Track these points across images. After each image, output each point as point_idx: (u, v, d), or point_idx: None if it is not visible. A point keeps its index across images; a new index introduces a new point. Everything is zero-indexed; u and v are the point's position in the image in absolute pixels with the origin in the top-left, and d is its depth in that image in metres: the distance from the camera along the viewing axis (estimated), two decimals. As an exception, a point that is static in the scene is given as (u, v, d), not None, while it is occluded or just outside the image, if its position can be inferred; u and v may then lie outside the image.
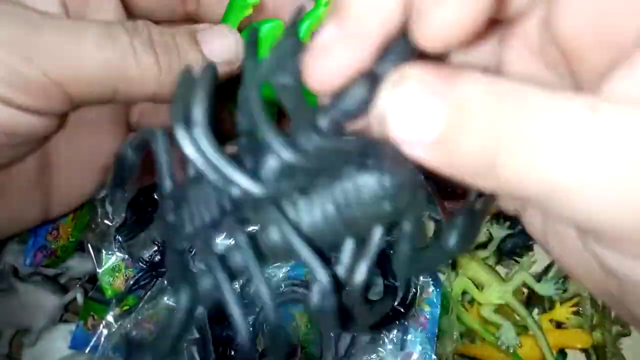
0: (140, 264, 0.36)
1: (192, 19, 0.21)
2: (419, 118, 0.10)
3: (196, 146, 0.11)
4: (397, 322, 0.37)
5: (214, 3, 0.20)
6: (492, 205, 0.14)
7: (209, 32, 0.17)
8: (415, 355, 0.37)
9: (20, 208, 0.19)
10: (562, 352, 0.43)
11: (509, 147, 0.09)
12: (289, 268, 0.39)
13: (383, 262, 0.39)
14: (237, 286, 0.38)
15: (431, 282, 0.39)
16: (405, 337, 0.37)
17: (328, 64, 0.11)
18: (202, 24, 0.18)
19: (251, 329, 0.37)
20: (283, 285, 0.38)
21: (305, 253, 0.12)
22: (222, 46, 0.17)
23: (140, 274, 0.36)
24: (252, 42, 0.13)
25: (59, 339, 0.36)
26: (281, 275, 0.39)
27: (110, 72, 0.15)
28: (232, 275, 0.13)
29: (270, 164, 0.12)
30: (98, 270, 0.35)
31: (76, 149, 0.20)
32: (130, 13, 0.20)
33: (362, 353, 0.36)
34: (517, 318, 0.41)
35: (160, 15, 0.20)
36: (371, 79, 0.11)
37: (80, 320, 0.35)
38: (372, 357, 0.36)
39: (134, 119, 0.22)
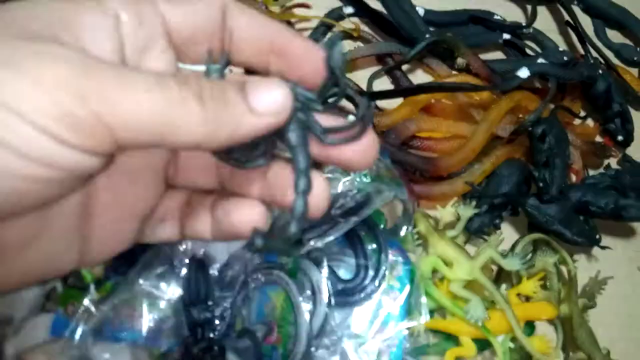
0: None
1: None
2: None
3: None
4: (369, 298, 0.38)
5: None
6: None
7: (258, 84, 0.18)
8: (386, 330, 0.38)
9: (56, 253, 0.19)
10: (530, 325, 0.45)
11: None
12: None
13: (354, 243, 0.40)
14: (215, 271, 0.39)
15: (401, 261, 0.40)
16: (377, 313, 0.38)
17: None
18: (254, 76, 0.19)
19: (229, 311, 0.38)
20: (259, 269, 0.40)
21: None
22: (269, 99, 0.18)
23: (118, 260, 0.37)
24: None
25: (41, 328, 0.37)
26: (257, 259, 0.40)
27: (157, 119, 0.16)
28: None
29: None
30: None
31: (116, 198, 0.20)
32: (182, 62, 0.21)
33: (335, 330, 0.38)
34: (486, 293, 0.43)
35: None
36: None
37: (60, 308, 0.36)
38: (345, 333, 0.38)
39: (171, 174, 0.22)
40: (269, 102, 0.18)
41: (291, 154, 0.19)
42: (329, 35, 0.53)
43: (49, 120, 0.15)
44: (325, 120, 0.19)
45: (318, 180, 0.19)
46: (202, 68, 0.19)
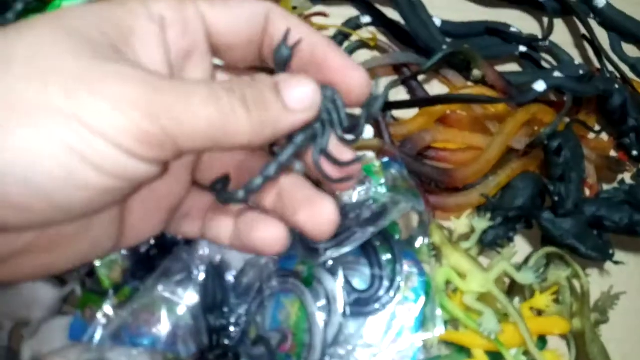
0: (137, 257, 0.37)
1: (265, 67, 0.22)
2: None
3: None
4: (383, 309, 0.38)
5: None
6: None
7: (289, 82, 0.19)
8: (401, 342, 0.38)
9: (100, 240, 0.20)
10: (542, 339, 0.45)
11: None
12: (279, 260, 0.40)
13: (369, 253, 0.40)
14: (231, 278, 0.40)
15: (416, 272, 0.40)
16: (391, 324, 0.38)
17: None
18: (283, 74, 0.20)
19: (244, 318, 0.38)
20: (274, 277, 0.40)
21: None
22: (300, 95, 0.19)
23: (136, 266, 0.37)
24: None
25: (58, 331, 0.38)
26: (272, 267, 0.40)
27: (213, 128, 0.17)
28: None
29: None
30: (96, 263, 0.36)
31: (151, 191, 0.21)
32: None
33: (349, 340, 0.38)
34: (499, 306, 0.43)
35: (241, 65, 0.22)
36: None
37: (78, 311, 0.36)
38: (359, 343, 0.38)
39: (199, 172, 0.24)
40: (302, 99, 0.19)
41: (285, 147, 0.20)
42: (346, 44, 0.53)
43: (124, 137, 0.16)
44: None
45: (326, 204, 0.20)
46: None
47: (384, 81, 0.21)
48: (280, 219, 0.21)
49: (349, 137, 0.20)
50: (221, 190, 0.20)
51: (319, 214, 0.20)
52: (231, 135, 0.18)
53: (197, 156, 0.23)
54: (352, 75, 0.20)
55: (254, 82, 0.19)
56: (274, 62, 0.20)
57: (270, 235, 0.21)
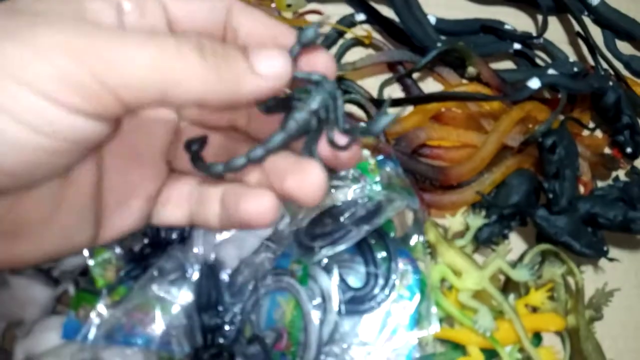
0: (131, 256, 0.37)
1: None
2: None
3: None
4: (379, 307, 0.38)
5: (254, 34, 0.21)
6: None
7: (260, 49, 0.18)
8: (396, 339, 0.38)
9: (72, 230, 0.20)
10: (537, 336, 0.45)
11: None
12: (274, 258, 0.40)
13: (364, 251, 0.40)
14: (226, 276, 0.40)
15: (411, 270, 0.40)
16: (386, 322, 0.38)
17: None
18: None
19: (239, 316, 0.38)
20: (269, 275, 0.40)
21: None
22: (271, 61, 0.18)
23: (130, 265, 0.37)
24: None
25: (52, 330, 0.37)
26: (267, 265, 0.40)
27: (156, 74, 0.16)
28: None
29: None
30: (90, 262, 0.36)
31: (123, 177, 0.21)
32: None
33: (345, 338, 0.38)
34: (494, 303, 0.43)
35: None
36: None
37: (71, 311, 0.36)
38: (355, 341, 0.38)
39: (175, 158, 0.23)
40: (271, 65, 0.18)
41: (276, 133, 0.19)
42: (340, 42, 0.53)
43: (50, 85, 0.15)
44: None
45: (313, 168, 0.19)
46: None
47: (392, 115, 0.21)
48: (268, 189, 0.20)
49: (342, 141, 0.20)
50: (197, 154, 0.19)
51: (307, 179, 0.19)
52: (181, 85, 0.16)
53: (172, 140, 0.22)
54: (315, 60, 0.20)
55: (219, 41, 0.18)
56: (296, 39, 0.19)
57: (260, 205, 0.20)
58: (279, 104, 0.20)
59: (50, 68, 0.15)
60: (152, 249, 0.38)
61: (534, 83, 0.49)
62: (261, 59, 0.18)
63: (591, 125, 0.54)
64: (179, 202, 0.22)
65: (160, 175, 0.22)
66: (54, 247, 0.19)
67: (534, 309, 0.46)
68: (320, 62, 0.20)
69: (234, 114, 0.23)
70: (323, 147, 0.20)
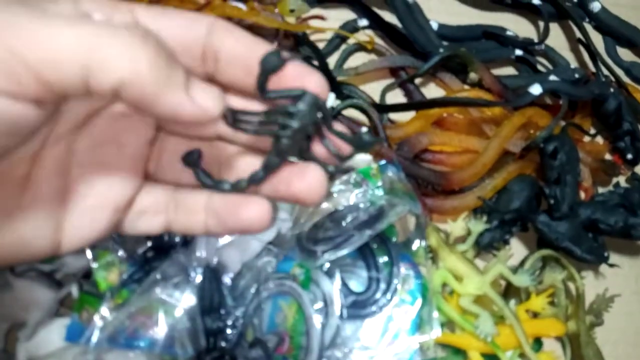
0: (134, 259, 0.37)
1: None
2: None
3: None
4: (380, 311, 0.38)
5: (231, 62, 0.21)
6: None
7: (198, 81, 0.18)
8: (397, 344, 0.39)
9: (29, 237, 0.19)
10: (537, 341, 0.45)
11: None
12: (277, 262, 0.40)
13: (366, 255, 0.41)
14: (228, 280, 0.40)
15: (413, 274, 0.41)
16: (387, 326, 0.39)
17: None
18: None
19: (241, 320, 0.38)
20: (271, 279, 0.40)
21: None
22: (203, 92, 0.18)
23: (133, 269, 0.37)
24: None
25: (55, 333, 0.38)
26: (270, 269, 0.40)
27: (80, 51, 0.15)
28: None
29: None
30: (93, 265, 0.36)
31: (90, 187, 0.20)
32: None
33: (346, 342, 0.38)
34: (495, 308, 0.43)
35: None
36: None
37: (75, 313, 0.36)
38: (356, 345, 0.38)
39: (151, 169, 0.22)
40: (204, 96, 0.18)
41: (272, 152, 0.20)
42: (343, 47, 0.53)
43: None
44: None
45: (314, 171, 0.20)
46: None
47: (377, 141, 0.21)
48: (262, 195, 0.21)
49: (331, 168, 0.21)
50: (201, 169, 0.20)
51: (311, 181, 0.20)
52: (104, 65, 0.15)
53: (148, 150, 0.22)
54: (308, 80, 0.19)
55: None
56: (260, 68, 0.19)
57: (261, 211, 0.21)
58: (255, 123, 0.20)
59: None
60: (155, 252, 0.38)
61: (536, 89, 0.50)
62: (198, 87, 0.18)
63: (592, 131, 0.54)
64: (155, 211, 0.22)
65: (133, 184, 0.22)
66: (9, 254, 0.19)
67: (535, 314, 0.46)
68: (312, 84, 0.20)
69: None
70: (319, 149, 0.21)
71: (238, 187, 0.21)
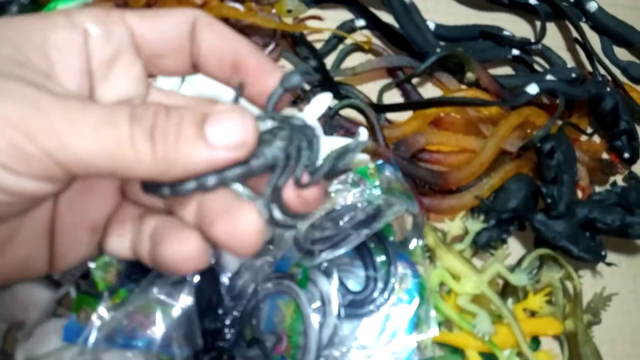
0: (132, 259, 0.37)
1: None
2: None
3: None
4: (378, 311, 0.38)
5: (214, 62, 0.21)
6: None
7: (219, 115, 0.17)
8: (395, 343, 0.39)
9: (27, 259, 0.20)
10: (535, 340, 0.45)
11: None
12: (274, 262, 0.41)
13: (364, 255, 0.41)
14: (226, 280, 0.40)
15: (410, 274, 0.41)
16: (385, 325, 0.39)
17: None
18: (220, 106, 0.18)
19: (239, 320, 0.39)
20: (269, 279, 0.40)
21: None
22: (229, 132, 0.17)
23: (131, 268, 0.37)
24: None
25: (53, 333, 0.38)
26: (267, 269, 0.40)
27: (105, 157, 0.16)
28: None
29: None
30: (91, 265, 0.36)
31: (70, 207, 0.21)
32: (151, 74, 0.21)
33: (344, 341, 0.38)
34: (492, 307, 0.43)
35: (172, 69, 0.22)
36: None
37: (73, 313, 0.36)
38: (354, 344, 0.38)
39: (126, 188, 0.22)
40: (229, 136, 0.17)
41: (236, 165, 0.18)
42: (340, 47, 0.53)
43: (2, 156, 0.15)
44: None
45: (248, 212, 0.17)
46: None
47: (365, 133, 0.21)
48: (200, 231, 0.19)
49: (305, 179, 0.18)
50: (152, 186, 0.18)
51: (238, 225, 0.17)
52: (128, 168, 0.16)
53: None
54: (267, 77, 0.20)
55: (177, 111, 0.17)
56: (280, 83, 0.19)
57: (181, 251, 0.18)
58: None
59: (1, 141, 0.15)
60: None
61: (532, 89, 0.50)
62: (218, 130, 0.17)
63: (589, 130, 0.54)
64: (122, 234, 0.21)
65: (110, 204, 0.22)
66: (8, 275, 0.20)
67: (533, 313, 0.46)
68: (273, 81, 0.20)
69: None
70: (287, 189, 0.18)
71: (180, 190, 0.18)
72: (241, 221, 0.17)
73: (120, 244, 0.21)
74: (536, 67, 0.56)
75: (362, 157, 0.45)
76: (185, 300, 0.37)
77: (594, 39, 0.59)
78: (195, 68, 0.22)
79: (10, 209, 0.17)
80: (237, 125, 0.17)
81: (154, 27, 0.20)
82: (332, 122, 0.48)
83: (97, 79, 0.20)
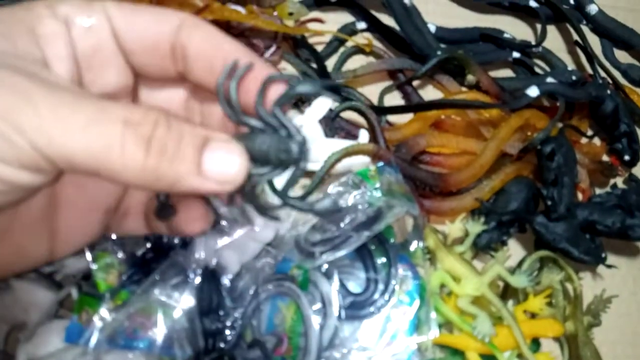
0: (134, 261, 0.38)
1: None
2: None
3: None
4: (378, 312, 0.38)
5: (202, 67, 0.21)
6: None
7: (219, 145, 0.17)
8: (395, 344, 0.39)
9: (26, 246, 0.20)
10: (535, 342, 0.45)
11: None
12: (275, 263, 0.41)
13: (364, 256, 0.41)
14: (227, 281, 0.40)
15: (411, 275, 0.41)
16: (385, 327, 0.39)
17: None
18: (222, 134, 0.18)
19: (240, 321, 0.39)
20: (270, 281, 0.40)
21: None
22: (225, 164, 0.17)
23: (133, 270, 0.37)
24: None
25: (54, 334, 0.38)
26: (268, 270, 0.41)
27: (91, 157, 0.16)
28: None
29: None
30: (93, 266, 0.36)
31: (80, 192, 0.21)
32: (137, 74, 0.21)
33: (345, 343, 0.38)
34: (493, 309, 0.43)
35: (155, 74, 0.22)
36: None
37: (74, 315, 0.37)
38: (354, 346, 0.38)
39: None
40: (223, 168, 0.17)
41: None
42: (341, 50, 0.53)
43: None
44: None
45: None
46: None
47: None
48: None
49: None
50: (170, 219, 0.20)
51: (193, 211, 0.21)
52: (114, 172, 0.16)
53: None
54: (258, 78, 0.20)
55: (179, 126, 0.17)
56: (275, 100, 0.19)
57: (193, 216, 0.21)
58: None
59: None
60: (154, 253, 0.38)
61: (533, 91, 0.50)
62: (215, 160, 0.17)
63: (589, 133, 0.54)
64: (135, 212, 0.22)
65: (120, 186, 0.22)
66: (9, 264, 0.20)
67: (533, 315, 0.46)
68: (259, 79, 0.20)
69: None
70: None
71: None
72: (194, 209, 0.21)
73: (137, 223, 0.22)
74: (537, 69, 0.56)
75: (363, 160, 0.45)
76: (186, 302, 0.37)
77: (594, 41, 0.59)
78: (185, 76, 0.21)
79: (4, 198, 0.17)
80: (234, 161, 0.17)
81: (131, 20, 0.20)
82: (333, 125, 0.48)
83: (83, 69, 0.20)
